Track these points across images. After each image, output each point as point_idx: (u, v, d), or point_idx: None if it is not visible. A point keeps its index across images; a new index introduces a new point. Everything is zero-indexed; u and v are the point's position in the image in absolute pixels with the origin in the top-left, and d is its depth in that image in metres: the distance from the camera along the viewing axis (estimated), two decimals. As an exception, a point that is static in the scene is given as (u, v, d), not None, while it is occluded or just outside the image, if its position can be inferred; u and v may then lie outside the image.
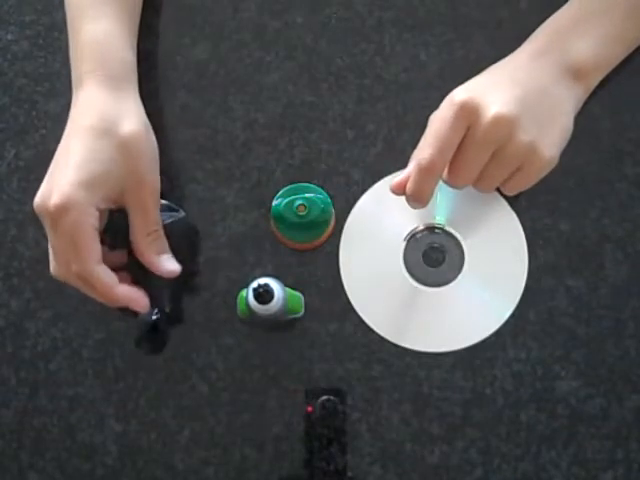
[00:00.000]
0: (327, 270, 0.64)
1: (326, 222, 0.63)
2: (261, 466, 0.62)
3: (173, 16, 0.68)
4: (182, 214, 0.62)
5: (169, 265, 0.59)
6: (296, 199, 0.62)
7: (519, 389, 0.62)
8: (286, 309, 0.59)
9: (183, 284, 0.63)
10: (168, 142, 0.67)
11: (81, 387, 0.63)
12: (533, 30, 0.62)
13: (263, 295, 0.56)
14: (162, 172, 0.66)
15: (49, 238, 0.57)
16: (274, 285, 0.57)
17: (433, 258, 0.64)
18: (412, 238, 0.64)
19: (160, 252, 0.59)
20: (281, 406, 0.62)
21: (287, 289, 0.59)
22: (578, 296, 0.63)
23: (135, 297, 0.58)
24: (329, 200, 0.63)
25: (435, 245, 0.64)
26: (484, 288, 0.63)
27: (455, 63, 0.66)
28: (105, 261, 0.57)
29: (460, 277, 0.64)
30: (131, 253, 0.60)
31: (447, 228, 0.64)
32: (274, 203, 0.63)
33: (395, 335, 0.63)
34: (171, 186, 0.66)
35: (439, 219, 0.64)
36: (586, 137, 0.65)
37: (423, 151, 0.56)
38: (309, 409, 0.61)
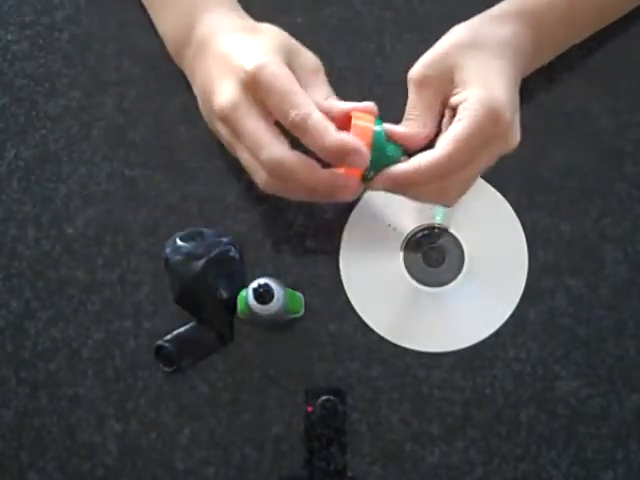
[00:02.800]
0: (327, 270, 0.64)
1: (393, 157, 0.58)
2: (261, 466, 0.62)
3: (173, 16, 0.68)
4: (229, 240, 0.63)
5: (361, 103, 0.58)
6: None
7: (519, 389, 0.62)
8: (286, 309, 0.59)
9: (232, 312, 0.62)
10: (168, 142, 0.67)
11: (81, 387, 0.63)
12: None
13: (263, 295, 0.56)
14: (162, 172, 0.66)
15: (245, 130, 0.54)
16: (274, 285, 0.57)
17: (433, 258, 0.64)
18: (412, 238, 0.64)
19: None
20: (281, 406, 0.62)
21: (287, 289, 0.59)
22: (578, 296, 0.63)
23: (354, 145, 0.53)
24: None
25: (435, 245, 0.64)
26: (484, 288, 0.63)
27: (455, 63, 0.66)
28: None
29: (460, 277, 0.64)
30: None
31: (447, 228, 0.64)
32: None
33: (395, 335, 0.63)
34: (171, 186, 0.66)
35: (439, 219, 0.64)
36: (586, 137, 0.65)
37: (457, 153, 0.54)
38: (309, 409, 0.61)
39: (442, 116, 0.58)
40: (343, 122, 0.56)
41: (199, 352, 0.62)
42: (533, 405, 0.62)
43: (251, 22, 0.62)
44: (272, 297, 0.57)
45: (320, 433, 0.61)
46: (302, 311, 0.63)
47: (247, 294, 0.57)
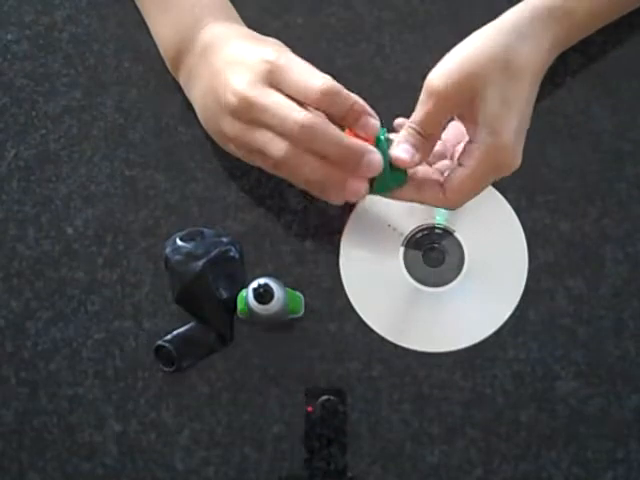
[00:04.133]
0: (327, 270, 0.64)
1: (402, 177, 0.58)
2: (261, 466, 0.62)
3: (173, 16, 0.68)
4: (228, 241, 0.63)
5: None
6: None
7: (519, 389, 0.62)
8: (286, 309, 0.59)
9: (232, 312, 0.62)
10: (168, 142, 0.67)
11: (81, 387, 0.63)
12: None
13: (263, 295, 0.56)
14: (162, 172, 0.66)
15: (268, 112, 0.55)
16: (274, 285, 0.57)
17: (433, 258, 0.64)
18: (412, 238, 0.64)
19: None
20: (281, 406, 0.62)
21: (287, 289, 0.59)
22: (578, 296, 0.63)
23: (366, 145, 0.56)
24: None
25: (435, 245, 0.64)
26: (484, 288, 0.63)
27: (455, 63, 0.66)
28: None
29: (460, 277, 0.64)
30: None
31: (447, 228, 0.64)
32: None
33: (395, 335, 0.63)
34: (171, 186, 0.66)
35: (439, 219, 0.64)
36: (586, 137, 0.65)
37: (460, 195, 0.57)
38: (309, 409, 0.61)
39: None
40: None
41: (199, 352, 0.62)
42: (533, 405, 0.62)
43: (255, 33, 0.63)
44: (272, 297, 0.57)
45: (320, 433, 0.61)
46: (302, 311, 0.63)
47: (247, 294, 0.57)
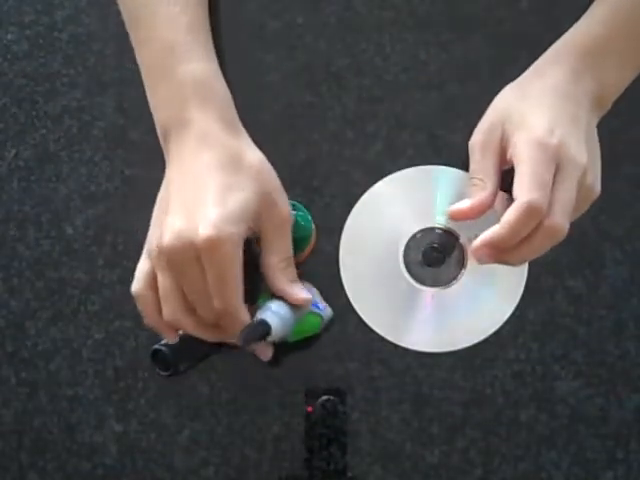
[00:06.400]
0: (327, 270, 0.64)
1: (306, 240, 0.62)
2: (261, 466, 0.62)
3: (173, 16, 0.68)
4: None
5: (301, 293, 0.57)
6: None
7: (519, 389, 0.62)
8: (292, 332, 0.57)
9: None
10: (168, 142, 0.67)
11: (81, 387, 0.63)
12: (533, 30, 0.62)
13: (259, 331, 0.55)
14: (162, 172, 0.66)
15: (176, 279, 0.55)
16: (272, 319, 0.55)
17: (433, 258, 0.64)
18: (412, 238, 0.64)
19: (293, 280, 0.57)
20: (281, 406, 0.62)
21: (306, 312, 0.58)
22: (578, 296, 0.63)
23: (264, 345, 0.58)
24: (309, 217, 0.63)
25: (435, 245, 0.64)
26: (484, 288, 0.63)
27: (455, 63, 0.66)
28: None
29: (460, 277, 0.64)
30: None
31: (447, 228, 0.64)
32: None
33: (395, 335, 0.63)
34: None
35: (439, 219, 0.64)
36: (586, 137, 0.65)
37: (530, 193, 0.53)
38: (309, 409, 0.61)
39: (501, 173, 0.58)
40: None
41: (196, 355, 0.62)
42: (533, 405, 0.62)
43: (240, 145, 0.58)
44: (268, 334, 0.55)
45: (320, 433, 0.61)
46: (319, 331, 0.62)
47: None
